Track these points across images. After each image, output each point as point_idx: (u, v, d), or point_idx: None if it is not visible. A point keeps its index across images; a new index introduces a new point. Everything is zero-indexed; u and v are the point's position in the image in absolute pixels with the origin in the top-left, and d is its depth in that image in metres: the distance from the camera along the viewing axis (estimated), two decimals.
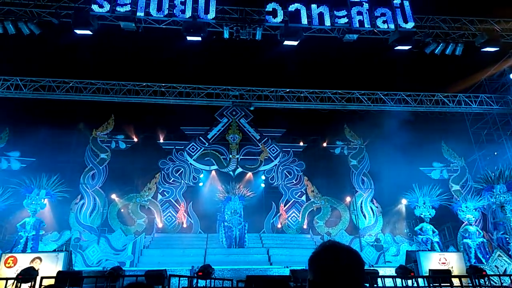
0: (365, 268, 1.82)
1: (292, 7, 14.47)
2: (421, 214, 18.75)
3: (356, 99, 19.74)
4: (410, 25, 14.69)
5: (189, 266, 12.61)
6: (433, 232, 18.31)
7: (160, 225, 21.10)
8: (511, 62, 18.77)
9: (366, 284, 1.81)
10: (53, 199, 17.49)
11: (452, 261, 12.95)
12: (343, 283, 1.68)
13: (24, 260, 11.16)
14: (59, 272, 10.05)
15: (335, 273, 1.70)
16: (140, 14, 13.85)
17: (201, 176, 22.72)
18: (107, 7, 13.72)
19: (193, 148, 22.89)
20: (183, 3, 13.95)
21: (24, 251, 14.95)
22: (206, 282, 10.28)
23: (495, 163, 19.44)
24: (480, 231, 18.01)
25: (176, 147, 22.93)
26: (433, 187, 19.16)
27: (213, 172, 22.94)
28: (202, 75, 19.99)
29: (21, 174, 17.98)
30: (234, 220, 18.43)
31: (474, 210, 18.25)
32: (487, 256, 16.62)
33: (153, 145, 22.75)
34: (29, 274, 9.16)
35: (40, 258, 11.38)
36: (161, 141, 22.92)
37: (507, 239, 16.51)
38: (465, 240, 17.79)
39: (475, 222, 18.76)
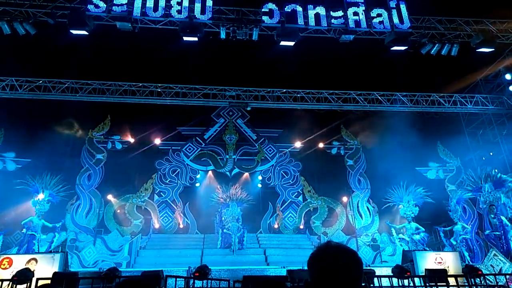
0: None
1: (288, 8, 14.47)
2: (405, 213, 18.73)
3: (353, 99, 19.78)
4: (406, 25, 14.73)
5: (186, 267, 12.59)
6: (417, 229, 18.14)
7: (156, 225, 21.05)
8: (506, 62, 18.87)
9: (363, 284, 1.81)
10: (55, 200, 17.43)
11: (448, 261, 13.00)
12: (342, 283, 1.69)
13: (19, 262, 11.10)
14: (55, 273, 10.00)
15: (334, 273, 1.70)
16: (136, 14, 13.78)
17: (198, 176, 22.70)
18: (103, 7, 13.65)
19: (189, 149, 22.86)
20: (180, 4, 13.92)
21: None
22: (202, 282, 10.27)
23: (490, 163, 19.56)
24: (466, 226, 18.12)
25: (173, 147, 22.89)
26: (417, 185, 19.05)
27: (210, 172, 22.93)
28: (199, 76, 19.97)
29: (17, 175, 17.93)
30: (233, 226, 18.17)
31: (456, 205, 18.36)
32: (476, 253, 16.77)
33: (149, 145, 22.69)
34: (24, 275, 9.12)
35: (35, 259, 11.32)
36: (158, 141, 22.85)
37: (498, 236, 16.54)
38: (451, 239, 17.94)
39: (470, 222, 18.90)
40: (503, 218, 16.56)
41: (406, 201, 18.76)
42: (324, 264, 1.73)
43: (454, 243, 17.75)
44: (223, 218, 18.73)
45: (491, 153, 20.90)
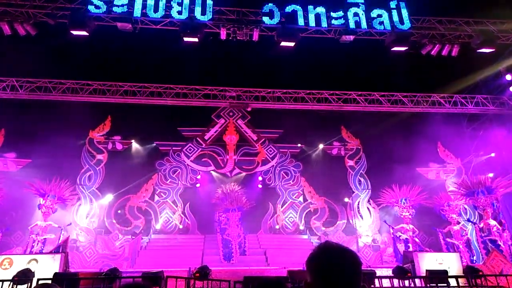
0: (362, 268, 1.82)
1: (288, 8, 14.51)
2: (402, 214, 18.66)
3: (353, 100, 19.80)
4: (406, 26, 14.76)
5: (186, 267, 12.59)
6: (414, 232, 18.22)
7: (157, 226, 21.05)
8: (506, 63, 18.86)
9: (363, 284, 1.81)
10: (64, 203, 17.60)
11: (449, 262, 12.99)
12: (340, 283, 1.69)
13: (20, 262, 11.10)
14: (55, 274, 10.00)
15: (332, 273, 1.70)
16: (137, 15, 13.83)
17: (198, 177, 22.68)
18: (103, 7, 13.70)
19: (190, 149, 22.87)
20: (180, 4, 13.96)
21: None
22: (203, 283, 10.26)
23: (491, 164, 19.54)
24: (465, 227, 18.09)
25: (173, 148, 22.89)
26: (412, 186, 18.99)
27: (211, 173, 22.92)
28: (199, 76, 19.99)
29: (18, 175, 17.97)
30: (233, 232, 17.91)
31: (455, 209, 18.38)
32: (473, 255, 16.76)
33: (150, 146, 22.72)
34: (25, 276, 9.11)
35: (36, 260, 11.31)
36: (158, 142, 22.87)
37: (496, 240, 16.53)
38: (449, 240, 17.92)
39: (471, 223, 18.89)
40: (493, 222, 16.58)
41: (402, 202, 18.71)
42: (322, 264, 1.73)
43: (457, 243, 17.74)
44: (222, 225, 18.42)
45: (492, 154, 20.85)
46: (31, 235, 15.87)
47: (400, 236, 18.17)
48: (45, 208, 16.68)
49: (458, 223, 18.59)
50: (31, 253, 14.70)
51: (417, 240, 18.09)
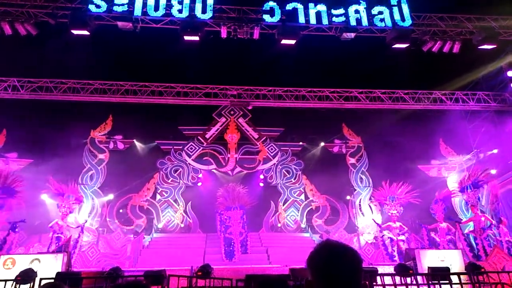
0: (363, 266, 1.82)
1: (289, 6, 14.49)
2: (391, 212, 18.54)
3: (354, 97, 19.75)
4: (407, 23, 14.72)
5: (188, 266, 12.60)
6: (401, 230, 17.89)
7: (159, 225, 21.08)
8: (508, 59, 18.78)
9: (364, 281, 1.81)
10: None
11: (451, 259, 12.99)
12: (341, 281, 1.69)
13: (22, 262, 11.13)
14: (58, 273, 10.03)
15: (333, 271, 1.70)
16: (137, 14, 13.83)
17: (200, 175, 22.69)
18: (104, 7, 13.71)
19: (191, 148, 22.88)
20: (180, 3, 13.96)
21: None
22: (205, 281, 10.27)
23: (493, 161, 19.49)
24: (451, 227, 18.05)
25: (174, 147, 22.91)
26: (402, 183, 18.86)
27: (212, 171, 22.93)
28: (200, 75, 19.98)
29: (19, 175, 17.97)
30: (235, 230, 17.75)
31: (441, 207, 18.40)
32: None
33: (151, 145, 22.73)
34: (28, 275, 9.14)
35: (39, 259, 11.35)
36: (159, 141, 22.88)
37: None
38: (433, 235, 17.89)
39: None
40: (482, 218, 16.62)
41: (391, 200, 18.58)
42: (323, 262, 1.72)
43: (438, 239, 17.69)
44: (225, 226, 18.32)
45: (494, 151, 20.77)
46: (55, 234, 16.01)
47: (383, 236, 17.94)
48: (64, 208, 16.87)
49: (448, 220, 18.48)
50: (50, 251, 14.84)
51: (406, 236, 17.77)
